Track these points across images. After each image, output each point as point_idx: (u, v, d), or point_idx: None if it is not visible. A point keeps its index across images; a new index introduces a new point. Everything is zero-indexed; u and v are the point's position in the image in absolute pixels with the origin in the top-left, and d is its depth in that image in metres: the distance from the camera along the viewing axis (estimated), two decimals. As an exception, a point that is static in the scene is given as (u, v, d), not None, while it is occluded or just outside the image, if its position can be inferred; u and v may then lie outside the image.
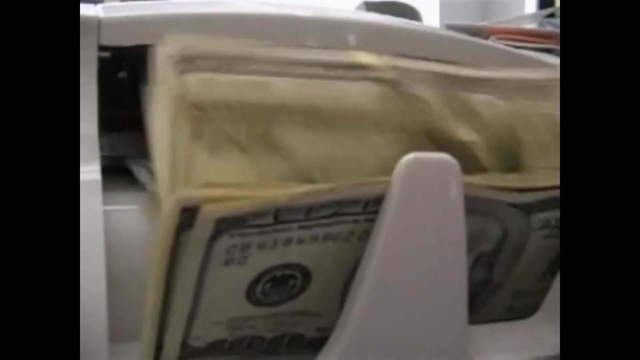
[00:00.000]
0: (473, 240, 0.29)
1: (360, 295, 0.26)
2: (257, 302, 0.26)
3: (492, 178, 0.27)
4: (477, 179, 0.27)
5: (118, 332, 0.27)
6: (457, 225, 0.27)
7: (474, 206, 0.27)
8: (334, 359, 0.27)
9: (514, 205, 0.28)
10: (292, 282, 0.26)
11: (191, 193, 0.23)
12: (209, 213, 0.23)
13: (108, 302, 0.25)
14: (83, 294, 0.23)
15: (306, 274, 0.26)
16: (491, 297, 0.32)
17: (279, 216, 0.24)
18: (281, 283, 0.26)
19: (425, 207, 0.26)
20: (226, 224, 0.23)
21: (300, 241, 0.25)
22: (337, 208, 0.25)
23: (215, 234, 0.24)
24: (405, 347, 0.27)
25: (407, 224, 0.26)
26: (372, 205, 0.25)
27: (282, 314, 0.27)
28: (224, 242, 0.24)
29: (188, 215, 0.23)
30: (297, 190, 0.24)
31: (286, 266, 0.26)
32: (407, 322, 0.27)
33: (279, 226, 0.24)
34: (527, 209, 0.29)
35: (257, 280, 0.26)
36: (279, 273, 0.26)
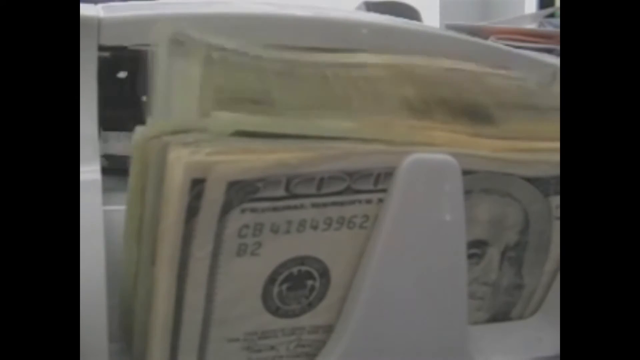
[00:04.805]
0: (496, 227, 0.29)
1: (360, 295, 0.26)
2: (275, 311, 0.26)
3: (500, 152, 0.27)
4: (484, 152, 0.27)
5: (118, 332, 0.27)
6: (458, 225, 0.27)
7: (489, 185, 0.28)
8: (334, 359, 0.27)
9: (529, 180, 0.28)
10: (310, 283, 0.26)
11: (200, 158, 0.23)
12: (220, 174, 0.23)
13: (108, 302, 0.25)
14: (83, 293, 0.23)
15: (324, 273, 0.26)
16: (527, 307, 0.32)
17: (290, 187, 0.24)
18: (299, 285, 0.26)
19: (426, 207, 0.26)
20: (237, 191, 0.23)
21: (314, 225, 0.25)
22: (349, 182, 0.25)
23: (226, 207, 0.23)
24: (405, 347, 0.27)
25: (408, 225, 0.26)
26: (383, 182, 0.25)
27: (303, 329, 0.27)
28: (236, 221, 0.24)
29: (197, 191, 0.23)
30: (307, 154, 0.24)
31: (302, 261, 0.26)
32: (407, 322, 0.27)
33: (292, 201, 0.24)
34: (544, 188, 0.29)
35: (272, 280, 0.26)
36: (295, 270, 0.26)
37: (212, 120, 0.24)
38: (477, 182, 0.28)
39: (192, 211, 0.23)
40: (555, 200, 0.30)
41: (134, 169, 0.25)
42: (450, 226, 0.27)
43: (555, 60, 0.38)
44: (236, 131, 0.24)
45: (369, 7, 0.79)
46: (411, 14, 0.81)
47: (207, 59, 0.25)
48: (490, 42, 0.46)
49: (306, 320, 0.27)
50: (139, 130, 0.25)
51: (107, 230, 0.26)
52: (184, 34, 0.25)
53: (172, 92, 0.25)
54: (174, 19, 0.32)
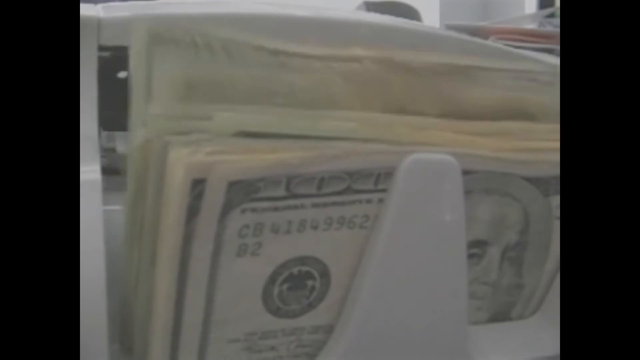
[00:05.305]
0: (496, 227, 0.29)
1: (361, 295, 0.26)
2: (276, 311, 0.26)
3: (500, 151, 0.27)
4: (484, 152, 0.27)
5: (118, 333, 0.27)
6: (458, 225, 0.27)
7: (489, 184, 0.28)
8: (334, 359, 0.27)
9: (529, 180, 0.28)
10: (310, 283, 0.26)
11: (200, 158, 0.23)
12: (220, 174, 0.23)
13: (108, 302, 0.25)
14: (83, 294, 0.23)
15: (324, 274, 0.26)
16: (527, 306, 0.32)
17: (291, 187, 0.24)
18: (299, 285, 0.26)
19: (426, 207, 0.26)
20: (238, 191, 0.23)
21: (314, 225, 0.25)
22: (349, 182, 0.25)
23: (227, 207, 0.23)
24: (405, 347, 0.27)
25: (408, 225, 0.26)
26: (383, 181, 0.25)
27: (303, 330, 0.27)
28: (236, 221, 0.24)
29: (198, 191, 0.23)
30: (307, 154, 0.24)
31: (303, 261, 0.26)
32: (407, 322, 0.27)
33: (292, 201, 0.24)
34: (544, 188, 0.29)
35: (273, 280, 0.26)
36: (295, 270, 0.26)
37: (214, 120, 0.24)
38: (477, 182, 0.28)
39: (192, 211, 0.23)
40: (556, 200, 0.30)
41: (133, 170, 0.25)
42: (450, 226, 0.27)
43: (555, 60, 0.38)
44: (237, 131, 0.24)
45: (369, 7, 0.79)
46: (411, 14, 0.81)
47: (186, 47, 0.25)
48: (490, 42, 0.46)
49: (306, 320, 0.27)
50: (139, 131, 0.25)
51: (107, 230, 0.26)
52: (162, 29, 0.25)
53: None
54: (174, 19, 0.32)
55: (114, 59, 0.31)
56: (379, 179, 0.25)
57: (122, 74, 0.33)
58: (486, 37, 0.55)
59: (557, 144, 0.27)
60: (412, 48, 0.32)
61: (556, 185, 0.29)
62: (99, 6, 0.31)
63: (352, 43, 0.31)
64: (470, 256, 0.29)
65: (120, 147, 0.33)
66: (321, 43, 0.28)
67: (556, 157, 0.27)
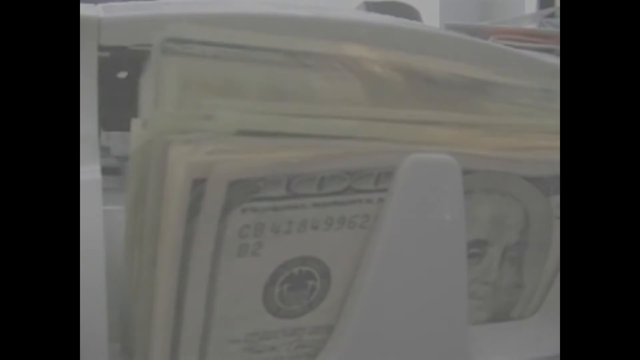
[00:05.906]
0: (496, 226, 0.29)
1: (361, 295, 0.26)
2: (276, 311, 0.26)
3: (500, 151, 0.27)
4: (485, 152, 0.27)
5: (119, 333, 0.27)
6: (458, 225, 0.27)
7: (489, 184, 0.28)
8: (334, 359, 0.27)
9: (529, 180, 0.28)
10: (311, 283, 0.26)
11: (201, 158, 0.23)
12: (221, 173, 0.23)
13: (108, 302, 0.25)
14: (83, 294, 0.23)
15: (325, 274, 0.26)
16: (527, 306, 0.32)
17: (291, 186, 0.24)
18: (299, 285, 0.26)
19: (426, 207, 0.26)
20: (238, 191, 0.23)
21: (315, 225, 0.25)
22: (349, 181, 0.25)
23: (227, 206, 0.23)
24: (406, 347, 0.27)
25: (408, 224, 0.26)
26: (383, 181, 0.25)
27: (303, 330, 0.27)
28: (237, 221, 0.24)
29: (198, 191, 0.23)
30: (308, 154, 0.24)
31: (303, 261, 0.26)
32: (407, 322, 0.27)
33: (293, 201, 0.24)
34: (544, 187, 0.29)
35: (273, 280, 0.26)
36: (296, 270, 0.26)
37: (215, 120, 0.24)
38: (477, 181, 0.28)
39: (193, 211, 0.23)
40: (556, 200, 0.30)
41: (134, 171, 0.25)
42: (450, 226, 0.27)
43: (555, 60, 0.38)
44: (238, 130, 0.24)
45: (369, 7, 0.79)
46: (411, 14, 0.81)
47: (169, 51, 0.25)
48: (490, 42, 0.46)
49: (307, 320, 0.27)
50: (140, 131, 0.25)
51: (107, 230, 0.26)
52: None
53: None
54: (174, 20, 0.32)
55: (114, 59, 0.31)
56: (379, 179, 0.25)
57: (122, 74, 0.33)
58: (486, 37, 0.55)
59: (557, 144, 0.27)
60: (412, 48, 0.32)
61: (556, 185, 0.29)
62: (99, 6, 0.31)
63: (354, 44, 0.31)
64: (470, 256, 0.29)
65: (116, 148, 0.33)
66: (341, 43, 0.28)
67: (556, 157, 0.27)
